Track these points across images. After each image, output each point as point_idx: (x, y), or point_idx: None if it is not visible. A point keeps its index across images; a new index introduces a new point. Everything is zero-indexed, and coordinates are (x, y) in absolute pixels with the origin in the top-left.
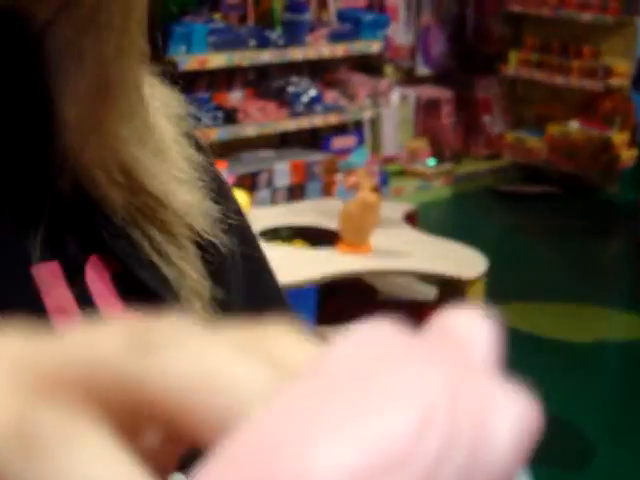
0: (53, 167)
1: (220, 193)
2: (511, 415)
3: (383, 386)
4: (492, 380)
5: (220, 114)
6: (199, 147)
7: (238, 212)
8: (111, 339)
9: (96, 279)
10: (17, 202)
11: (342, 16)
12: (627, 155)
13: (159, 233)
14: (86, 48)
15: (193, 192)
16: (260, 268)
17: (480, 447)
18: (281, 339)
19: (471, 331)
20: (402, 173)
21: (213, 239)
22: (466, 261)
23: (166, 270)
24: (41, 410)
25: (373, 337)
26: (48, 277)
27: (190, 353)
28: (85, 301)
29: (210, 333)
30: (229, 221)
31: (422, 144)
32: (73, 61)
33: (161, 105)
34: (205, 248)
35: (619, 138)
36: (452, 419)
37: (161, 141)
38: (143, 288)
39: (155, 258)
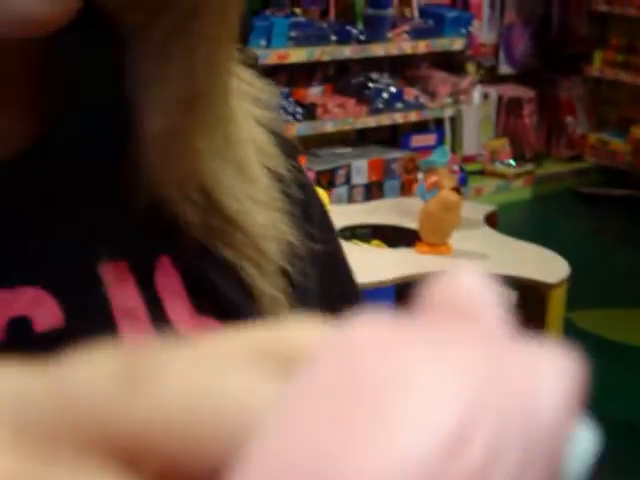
0: (127, 178)
1: (305, 209)
2: (552, 378)
3: (405, 385)
4: (517, 347)
5: (299, 109)
6: (288, 152)
7: (323, 226)
8: (100, 374)
9: (166, 280)
10: (90, 203)
11: (424, 12)
12: None
13: (230, 254)
14: (174, 57)
15: (269, 214)
16: (345, 292)
17: (531, 426)
18: (295, 334)
19: (472, 297)
20: (482, 173)
21: (285, 266)
22: (548, 265)
23: (241, 274)
24: (43, 470)
25: (373, 330)
26: (116, 276)
27: (180, 379)
28: (153, 301)
29: (207, 346)
30: (308, 246)
31: (503, 144)
32: (159, 70)
33: (251, 105)
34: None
35: None
36: (494, 409)
37: (243, 155)
38: (214, 291)
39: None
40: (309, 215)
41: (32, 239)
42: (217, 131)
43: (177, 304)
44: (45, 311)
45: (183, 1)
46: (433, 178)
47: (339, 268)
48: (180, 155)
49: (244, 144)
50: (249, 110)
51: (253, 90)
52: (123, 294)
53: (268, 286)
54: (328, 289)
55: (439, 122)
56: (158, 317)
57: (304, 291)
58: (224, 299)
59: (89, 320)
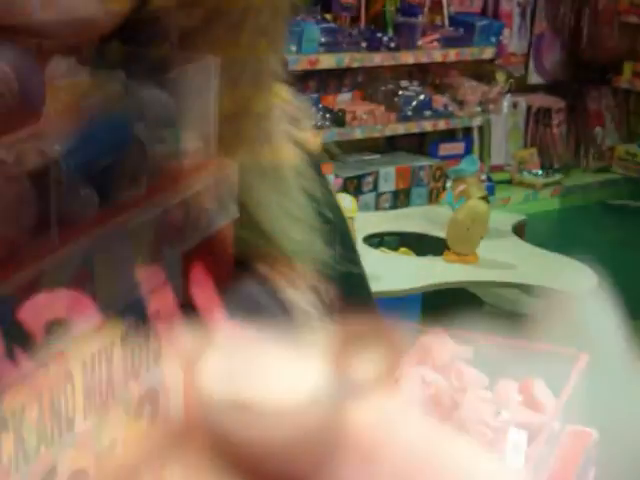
0: (167, 188)
1: (333, 229)
2: None
3: None
4: None
5: (328, 116)
6: (319, 171)
7: (345, 246)
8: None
9: (200, 286)
10: (126, 209)
11: (455, 20)
12: None
13: (263, 267)
14: (222, 70)
15: (306, 231)
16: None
17: None
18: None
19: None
20: (509, 182)
21: (315, 282)
22: (575, 276)
23: (274, 287)
24: None
25: None
26: (152, 280)
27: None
28: (187, 306)
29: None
30: (334, 264)
31: (531, 153)
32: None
33: (289, 124)
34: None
35: None
36: None
37: (281, 173)
38: (248, 299)
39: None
40: (335, 235)
41: (69, 243)
42: (257, 147)
43: (211, 310)
44: (83, 314)
45: (231, 12)
46: (461, 187)
47: (358, 287)
48: (220, 168)
49: (283, 162)
50: (287, 130)
51: (291, 109)
52: (159, 298)
53: (300, 300)
54: (346, 306)
55: (467, 131)
56: (192, 321)
57: (330, 306)
58: (258, 307)
59: (126, 323)
